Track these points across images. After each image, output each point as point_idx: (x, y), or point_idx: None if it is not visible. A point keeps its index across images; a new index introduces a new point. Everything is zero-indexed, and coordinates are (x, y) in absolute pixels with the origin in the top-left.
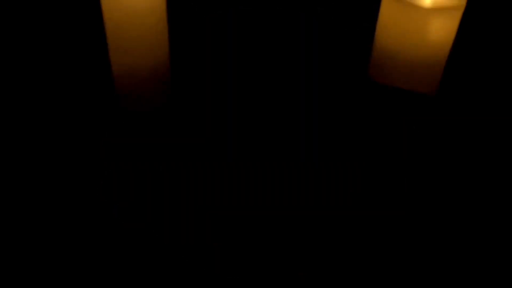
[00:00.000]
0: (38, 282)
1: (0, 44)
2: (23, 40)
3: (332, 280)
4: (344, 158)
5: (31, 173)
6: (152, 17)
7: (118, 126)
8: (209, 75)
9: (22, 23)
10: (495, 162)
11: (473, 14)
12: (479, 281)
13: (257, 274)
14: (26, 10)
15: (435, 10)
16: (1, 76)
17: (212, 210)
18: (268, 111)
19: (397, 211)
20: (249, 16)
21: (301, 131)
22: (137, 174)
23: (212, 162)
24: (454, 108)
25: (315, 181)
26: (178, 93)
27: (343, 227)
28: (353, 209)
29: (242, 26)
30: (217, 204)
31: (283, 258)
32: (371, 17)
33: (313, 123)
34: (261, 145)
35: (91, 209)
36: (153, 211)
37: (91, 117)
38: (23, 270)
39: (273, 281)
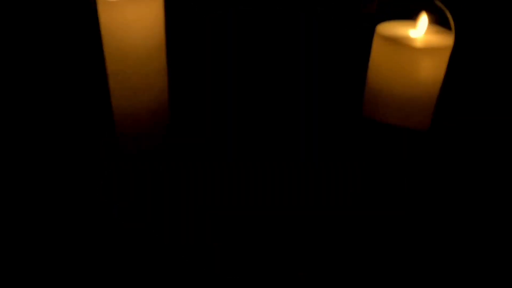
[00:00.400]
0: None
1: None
2: (28, 81)
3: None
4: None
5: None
6: (153, 60)
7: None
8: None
9: (28, 64)
10: (489, 196)
11: (461, 52)
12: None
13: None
14: (31, 50)
15: (424, 50)
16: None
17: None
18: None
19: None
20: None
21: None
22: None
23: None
24: (446, 143)
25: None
26: (177, 128)
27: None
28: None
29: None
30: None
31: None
32: (371, 19)
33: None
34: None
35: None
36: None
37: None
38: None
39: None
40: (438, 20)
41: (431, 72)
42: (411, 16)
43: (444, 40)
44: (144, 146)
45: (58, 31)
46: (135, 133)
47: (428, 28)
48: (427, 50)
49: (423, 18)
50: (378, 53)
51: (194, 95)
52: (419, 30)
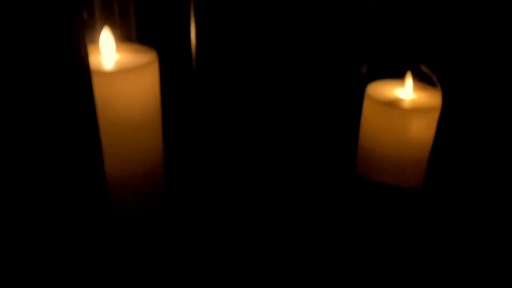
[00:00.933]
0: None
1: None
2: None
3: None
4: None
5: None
6: (148, 128)
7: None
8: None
9: (21, 135)
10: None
11: (450, 111)
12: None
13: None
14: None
15: (413, 112)
16: None
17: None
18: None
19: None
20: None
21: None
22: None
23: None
24: (439, 201)
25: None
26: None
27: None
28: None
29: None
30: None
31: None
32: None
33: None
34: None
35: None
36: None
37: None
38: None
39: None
40: (427, 77)
41: (422, 132)
42: (400, 73)
43: (433, 100)
44: (138, 211)
45: (52, 102)
46: (129, 197)
47: (416, 87)
48: (416, 112)
49: (410, 80)
50: (368, 113)
51: (190, 158)
52: (408, 91)
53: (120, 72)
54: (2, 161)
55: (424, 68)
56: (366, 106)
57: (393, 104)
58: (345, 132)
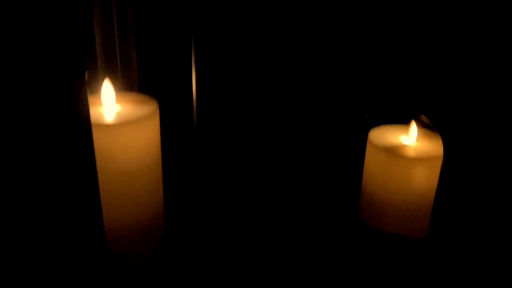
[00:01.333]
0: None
1: None
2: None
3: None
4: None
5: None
6: (148, 179)
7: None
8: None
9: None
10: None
11: (453, 160)
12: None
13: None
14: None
15: (416, 160)
16: None
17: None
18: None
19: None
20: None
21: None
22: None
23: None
24: (444, 251)
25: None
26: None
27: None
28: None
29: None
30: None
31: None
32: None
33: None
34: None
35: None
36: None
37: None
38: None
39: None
40: (430, 124)
41: (425, 180)
42: (402, 119)
43: (436, 148)
44: (135, 262)
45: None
46: (126, 248)
47: (419, 133)
48: (420, 160)
49: (414, 127)
50: (371, 160)
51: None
52: (411, 138)
53: (121, 125)
54: (4, 211)
55: (424, 119)
56: (369, 152)
57: (396, 152)
58: (348, 176)
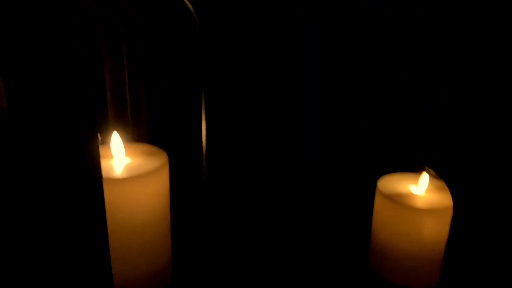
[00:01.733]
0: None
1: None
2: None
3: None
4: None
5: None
6: (157, 231)
7: None
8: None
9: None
10: None
11: (462, 211)
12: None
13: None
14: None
15: (426, 211)
16: None
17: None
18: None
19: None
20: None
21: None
22: None
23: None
24: None
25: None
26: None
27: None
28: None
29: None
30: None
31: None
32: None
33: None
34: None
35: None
36: None
37: None
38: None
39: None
40: (435, 176)
41: (435, 230)
42: (412, 168)
43: (446, 199)
44: None
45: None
46: None
47: (429, 184)
48: (430, 211)
49: (425, 177)
50: (380, 209)
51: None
52: (421, 188)
53: (130, 179)
54: (16, 265)
55: (429, 171)
56: (377, 201)
57: (405, 202)
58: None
